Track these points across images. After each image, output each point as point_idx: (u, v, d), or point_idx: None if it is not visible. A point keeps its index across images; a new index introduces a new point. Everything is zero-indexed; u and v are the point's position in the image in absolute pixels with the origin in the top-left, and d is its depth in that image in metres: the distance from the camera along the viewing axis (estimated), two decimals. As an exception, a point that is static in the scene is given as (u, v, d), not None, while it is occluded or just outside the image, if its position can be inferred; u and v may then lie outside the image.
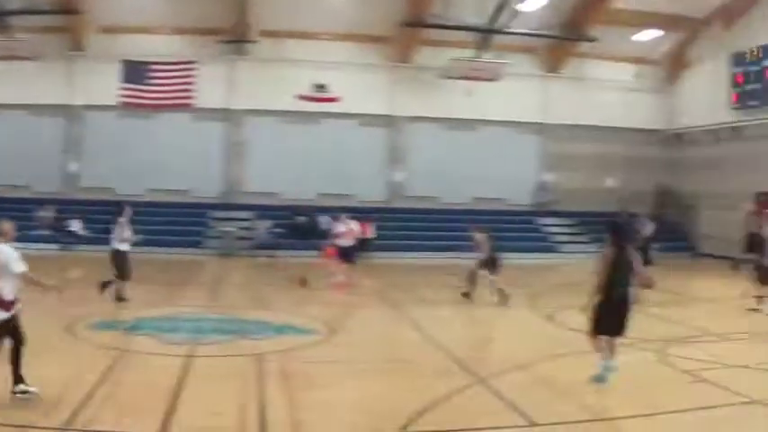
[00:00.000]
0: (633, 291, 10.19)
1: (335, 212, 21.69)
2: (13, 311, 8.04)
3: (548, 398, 9.16)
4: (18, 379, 8.03)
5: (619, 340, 10.08)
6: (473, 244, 17.59)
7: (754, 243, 23.54)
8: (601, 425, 8.29)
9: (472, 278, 17.27)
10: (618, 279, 9.79)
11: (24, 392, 8.01)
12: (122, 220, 15.49)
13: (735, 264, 23.56)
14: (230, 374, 9.74)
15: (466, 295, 17.34)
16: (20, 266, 7.93)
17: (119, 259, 15.30)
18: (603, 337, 9.93)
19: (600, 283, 9.78)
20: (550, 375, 10.24)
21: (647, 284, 11.10)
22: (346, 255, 19.40)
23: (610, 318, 9.81)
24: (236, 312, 14.93)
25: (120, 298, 15.21)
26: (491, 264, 17.24)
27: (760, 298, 16.59)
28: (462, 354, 11.30)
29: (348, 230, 19.61)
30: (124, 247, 15.39)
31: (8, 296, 7.96)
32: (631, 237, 12.30)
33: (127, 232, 15.47)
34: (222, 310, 15.18)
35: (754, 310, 16.31)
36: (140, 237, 15.87)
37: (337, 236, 19.43)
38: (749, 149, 28.54)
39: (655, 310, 16.18)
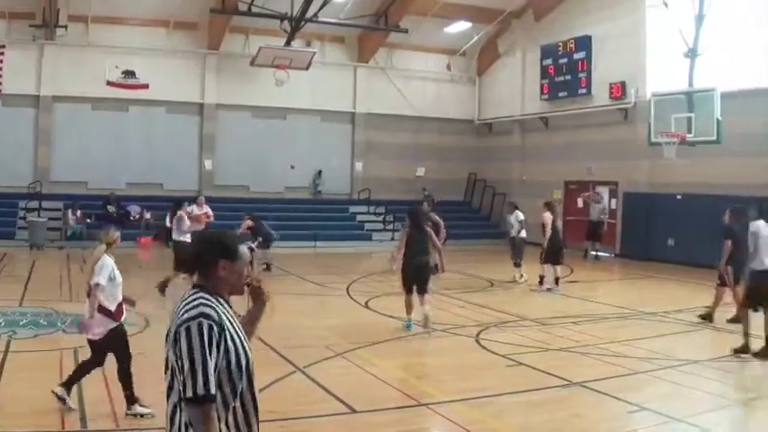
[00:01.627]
0: (432, 260, 14.14)
1: (144, 201, 21.18)
2: (120, 321, 8.35)
3: (367, 385, 9.56)
4: (131, 399, 8.09)
5: (427, 296, 13.50)
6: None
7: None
8: (420, 410, 8.40)
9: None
10: (416, 251, 13.52)
11: (141, 415, 8.02)
12: (182, 212, 17.99)
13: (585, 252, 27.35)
14: (46, 369, 9.71)
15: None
16: (96, 278, 8.07)
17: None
18: (412, 296, 13.39)
19: (402, 253, 13.60)
20: (369, 362, 10.40)
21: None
22: None
23: (410, 280, 13.45)
24: (51, 305, 14.65)
25: None
26: (265, 243, 20.92)
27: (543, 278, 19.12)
28: (279, 343, 11.19)
29: (203, 214, 21.06)
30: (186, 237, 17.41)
31: (110, 305, 8.21)
32: (425, 219, 15.13)
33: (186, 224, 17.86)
34: (35, 304, 14.85)
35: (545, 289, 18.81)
36: None
37: (194, 219, 20.40)
38: (558, 139, 30.05)
39: (469, 297, 16.56)
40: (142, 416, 7.95)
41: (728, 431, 8.38)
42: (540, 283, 18.89)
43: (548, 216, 18.84)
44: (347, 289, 18.12)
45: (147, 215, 28.49)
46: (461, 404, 8.87)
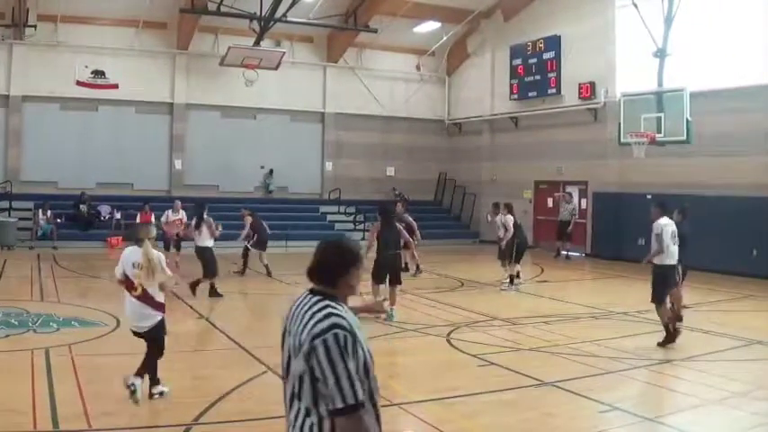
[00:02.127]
0: (401, 253, 15.45)
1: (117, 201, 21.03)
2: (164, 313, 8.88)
3: None
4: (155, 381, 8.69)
5: (398, 288, 14.68)
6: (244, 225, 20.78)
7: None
8: (392, 410, 8.35)
9: (245, 256, 21.00)
10: (389, 244, 14.46)
11: (161, 393, 8.68)
12: (208, 217, 16.80)
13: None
14: (17, 369, 9.73)
15: (239, 273, 20.72)
16: (166, 271, 8.75)
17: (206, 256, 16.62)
18: (382, 286, 14.45)
19: (373, 247, 14.46)
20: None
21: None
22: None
23: (384, 271, 14.39)
24: (21, 306, 14.57)
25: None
26: (262, 243, 20.80)
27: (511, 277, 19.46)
28: (250, 342, 11.20)
29: (177, 219, 21.33)
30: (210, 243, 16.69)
31: (161, 298, 8.73)
32: (393, 216, 15.96)
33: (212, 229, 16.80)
34: (6, 304, 14.67)
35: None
36: None
37: (169, 224, 21.23)
38: (528, 139, 30.19)
39: (440, 296, 16.57)
40: (162, 394, 8.59)
41: (701, 431, 8.42)
42: (511, 282, 18.99)
43: (510, 218, 19.32)
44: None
45: (118, 215, 28.24)
46: (433, 404, 8.87)
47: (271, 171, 32.62)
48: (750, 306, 17.06)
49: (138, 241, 8.73)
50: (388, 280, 14.51)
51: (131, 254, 8.70)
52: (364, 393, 3.65)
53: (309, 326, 3.68)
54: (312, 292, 3.90)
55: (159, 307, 8.68)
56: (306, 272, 3.95)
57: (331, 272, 3.89)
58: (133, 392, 8.14)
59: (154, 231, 9.09)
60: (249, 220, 20.74)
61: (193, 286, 16.29)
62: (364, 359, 3.72)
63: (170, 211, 21.53)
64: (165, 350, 8.84)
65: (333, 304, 3.78)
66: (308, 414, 3.71)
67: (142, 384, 8.34)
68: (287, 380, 3.84)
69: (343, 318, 3.72)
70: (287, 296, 17.42)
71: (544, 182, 30.64)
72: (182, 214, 21.27)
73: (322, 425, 3.67)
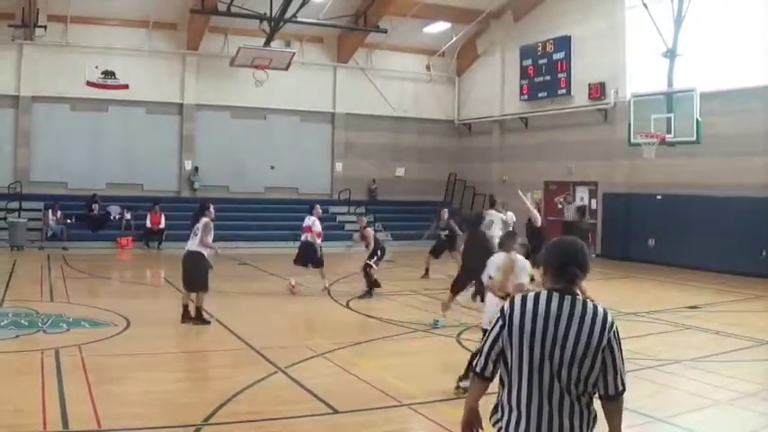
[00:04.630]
0: None
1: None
2: None
3: (348, 385, 9.67)
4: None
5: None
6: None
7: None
8: (402, 410, 8.41)
9: (368, 276, 17.84)
10: (475, 255, 13.30)
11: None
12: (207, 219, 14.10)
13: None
14: (27, 370, 9.74)
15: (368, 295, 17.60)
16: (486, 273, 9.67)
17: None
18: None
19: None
20: (350, 362, 10.44)
21: None
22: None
23: (467, 283, 14.26)
24: (31, 306, 14.55)
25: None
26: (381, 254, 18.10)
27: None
28: (261, 343, 11.29)
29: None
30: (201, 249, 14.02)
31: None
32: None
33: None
34: (16, 304, 14.78)
35: None
36: None
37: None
38: (538, 140, 30.17)
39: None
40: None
41: (710, 431, 8.39)
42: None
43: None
44: (328, 289, 18.06)
45: (128, 216, 28.37)
46: (443, 404, 8.83)
47: (196, 168, 31.62)
48: (760, 306, 17.00)
49: (506, 248, 9.83)
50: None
51: (497, 259, 9.79)
52: None
53: (600, 321, 3.96)
54: (557, 291, 4.03)
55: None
56: (566, 274, 4.04)
57: (574, 274, 4.07)
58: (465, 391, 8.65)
59: (518, 240, 10.17)
60: (370, 232, 18.51)
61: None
62: None
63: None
64: None
65: (579, 297, 4.06)
66: (579, 407, 3.98)
67: None
68: (535, 383, 3.94)
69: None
70: (293, 296, 17.40)
71: (554, 182, 30.59)
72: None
73: (585, 414, 4.01)
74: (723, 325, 13.87)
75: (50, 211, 26.92)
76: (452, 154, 36.10)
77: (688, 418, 8.40)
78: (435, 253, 21.32)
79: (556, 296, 3.98)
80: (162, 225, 27.40)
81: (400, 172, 35.19)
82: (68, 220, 27.51)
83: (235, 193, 31.62)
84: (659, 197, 24.81)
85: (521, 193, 20.61)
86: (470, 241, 14.51)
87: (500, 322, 4.07)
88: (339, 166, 34.25)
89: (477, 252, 13.17)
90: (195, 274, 13.66)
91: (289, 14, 27.11)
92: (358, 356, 11.23)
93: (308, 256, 18.07)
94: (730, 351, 11.86)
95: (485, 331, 8.94)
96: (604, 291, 19.61)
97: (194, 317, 13.54)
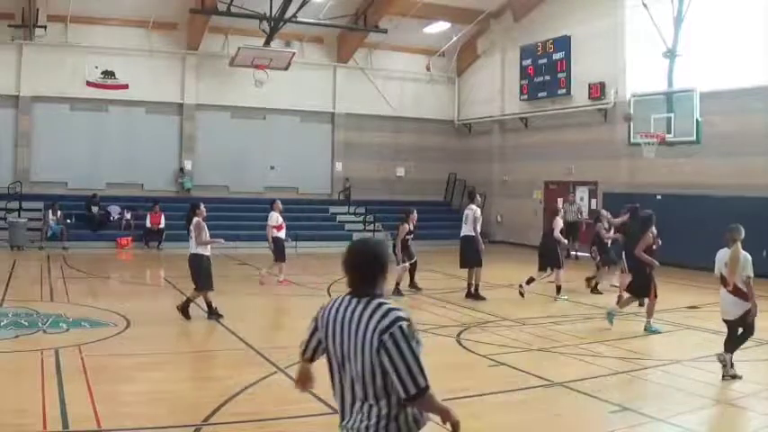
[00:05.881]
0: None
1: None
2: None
3: None
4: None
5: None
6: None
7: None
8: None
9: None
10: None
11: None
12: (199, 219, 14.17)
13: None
14: (27, 370, 9.74)
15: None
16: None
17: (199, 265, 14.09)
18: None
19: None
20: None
21: None
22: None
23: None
24: (31, 306, 14.59)
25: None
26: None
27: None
28: (262, 343, 11.29)
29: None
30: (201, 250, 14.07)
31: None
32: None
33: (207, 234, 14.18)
34: (16, 304, 14.81)
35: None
36: None
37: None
38: (538, 140, 30.17)
39: (450, 297, 16.59)
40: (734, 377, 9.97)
41: (710, 431, 8.39)
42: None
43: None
44: (328, 289, 18.06)
45: (128, 215, 28.38)
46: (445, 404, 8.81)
47: (182, 169, 31.65)
48: (761, 306, 16.95)
49: (730, 242, 10.35)
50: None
51: (722, 254, 10.43)
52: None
53: (373, 323, 3.91)
54: (354, 294, 4.08)
55: (746, 297, 10.08)
56: (346, 277, 4.11)
57: (373, 274, 4.08)
58: (724, 365, 9.92)
59: (743, 234, 10.53)
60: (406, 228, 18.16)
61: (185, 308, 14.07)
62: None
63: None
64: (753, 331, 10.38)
65: (384, 301, 4.02)
66: (377, 409, 3.97)
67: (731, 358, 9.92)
68: (340, 383, 4.16)
69: (400, 309, 3.98)
70: (294, 297, 17.47)
71: (554, 182, 30.60)
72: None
73: (391, 416, 3.96)
74: (723, 325, 13.86)
75: (50, 211, 26.88)
76: (452, 154, 36.02)
77: (688, 418, 8.39)
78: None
79: (350, 298, 4.08)
80: (162, 225, 27.39)
81: (400, 172, 35.22)
82: (68, 220, 27.51)
83: (235, 192, 31.65)
84: (659, 197, 24.78)
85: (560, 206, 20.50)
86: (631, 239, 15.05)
87: (313, 320, 4.34)
88: (339, 166, 34.29)
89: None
90: (197, 276, 13.87)
91: (289, 14, 27.20)
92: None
93: (281, 252, 18.69)
94: (730, 351, 11.85)
95: (726, 322, 10.37)
96: (604, 291, 19.63)
97: (208, 312, 13.94)
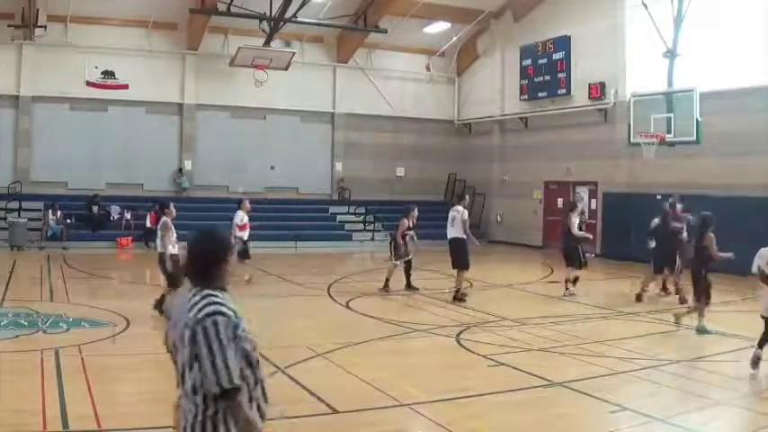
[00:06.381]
0: None
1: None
2: None
3: (349, 385, 9.62)
4: None
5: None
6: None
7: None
8: (402, 410, 8.37)
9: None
10: None
11: None
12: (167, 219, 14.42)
13: None
14: (28, 369, 9.73)
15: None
16: None
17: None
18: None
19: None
20: (351, 362, 10.40)
21: None
22: None
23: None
24: (31, 306, 14.55)
25: None
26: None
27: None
28: (261, 343, 11.01)
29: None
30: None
31: None
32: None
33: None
34: (16, 304, 14.84)
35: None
36: None
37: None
38: (538, 140, 30.19)
39: (450, 297, 16.57)
40: None
41: (711, 431, 8.39)
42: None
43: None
44: (328, 289, 18.08)
45: (128, 215, 28.39)
46: (443, 404, 8.82)
47: (180, 170, 31.63)
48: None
49: None
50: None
51: (765, 252, 10.65)
52: (251, 377, 4.00)
53: (193, 313, 3.91)
54: (194, 285, 4.10)
55: None
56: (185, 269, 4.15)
57: (206, 265, 4.09)
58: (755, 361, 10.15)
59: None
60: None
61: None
62: (249, 343, 4.03)
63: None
64: None
65: (213, 293, 4.01)
66: (193, 401, 3.96)
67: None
68: (176, 371, 4.14)
69: (224, 305, 3.96)
70: (294, 297, 17.48)
71: (554, 182, 30.62)
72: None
73: (199, 410, 3.93)
74: (725, 325, 13.86)
75: (50, 211, 26.92)
76: (452, 154, 35.98)
77: (688, 418, 8.38)
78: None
79: (191, 289, 4.10)
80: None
81: (400, 172, 35.23)
82: (68, 220, 27.55)
83: (234, 193, 31.58)
84: (659, 197, 24.76)
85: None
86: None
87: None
88: (339, 166, 34.29)
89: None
90: (165, 274, 14.14)
91: (289, 14, 27.17)
92: (358, 356, 11.19)
93: (244, 251, 18.55)
94: (730, 351, 11.83)
95: (764, 318, 10.34)
96: (605, 290, 19.68)
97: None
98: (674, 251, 16.72)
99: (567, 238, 18.33)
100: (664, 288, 17.92)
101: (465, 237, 17.08)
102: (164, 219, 14.40)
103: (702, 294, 13.43)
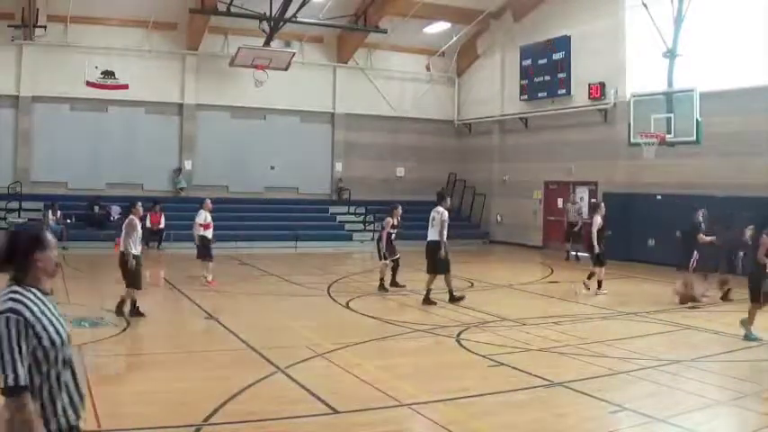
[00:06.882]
0: None
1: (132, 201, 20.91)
2: None
3: (348, 385, 9.63)
4: None
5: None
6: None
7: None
8: (402, 410, 8.38)
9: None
10: None
11: None
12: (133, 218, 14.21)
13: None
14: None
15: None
16: None
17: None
18: None
19: None
20: (351, 363, 10.42)
21: None
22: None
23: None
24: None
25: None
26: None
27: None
28: (260, 343, 11.21)
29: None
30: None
31: None
32: None
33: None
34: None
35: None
36: None
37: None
38: (538, 140, 30.20)
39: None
40: None
41: (710, 431, 8.40)
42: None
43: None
44: (328, 289, 18.08)
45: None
46: (443, 404, 8.84)
47: (178, 170, 31.46)
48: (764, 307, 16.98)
49: None
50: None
51: None
52: (48, 375, 3.86)
53: None
54: (11, 279, 4.03)
55: None
56: None
57: (15, 259, 4.03)
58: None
59: None
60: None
61: (120, 307, 13.95)
62: (50, 341, 3.88)
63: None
64: None
65: (17, 289, 3.94)
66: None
67: None
68: None
69: (22, 303, 3.87)
70: (294, 297, 17.49)
71: (554, 182, 30.62)
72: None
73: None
74: (723, 325, 13.86)
75: (50, 211, 26.81)
76: (452, 154, 35.97)
77: (688, 418, 8.38)
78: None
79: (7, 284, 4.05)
80: (162, 225, 27.21)
81: (400, 172, 35.22)
82: (68, 220, 27.49)
83: (234, 192, 31.62)
84: (659, 197, 24.80)
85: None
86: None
87: None
88: (339, 166, 34.29)
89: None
90: (124, 274, 13.88)
91: (289, 14, 27.19)
92: (358, 356, 11.20)
93: (208, 250, 18.63)
94: (730, 351, 11.87)
95: None
96: (604, 290, 19.66)
97: (130, 311, 13.72)
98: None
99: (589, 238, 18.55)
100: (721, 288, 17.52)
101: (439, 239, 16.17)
102: (130, 217, 14.16)
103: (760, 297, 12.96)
